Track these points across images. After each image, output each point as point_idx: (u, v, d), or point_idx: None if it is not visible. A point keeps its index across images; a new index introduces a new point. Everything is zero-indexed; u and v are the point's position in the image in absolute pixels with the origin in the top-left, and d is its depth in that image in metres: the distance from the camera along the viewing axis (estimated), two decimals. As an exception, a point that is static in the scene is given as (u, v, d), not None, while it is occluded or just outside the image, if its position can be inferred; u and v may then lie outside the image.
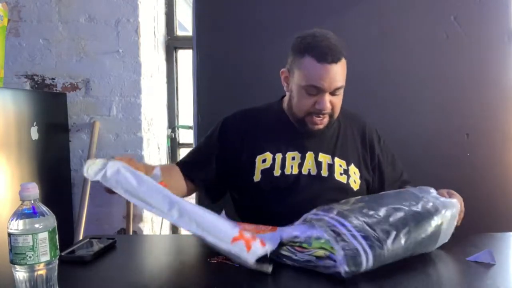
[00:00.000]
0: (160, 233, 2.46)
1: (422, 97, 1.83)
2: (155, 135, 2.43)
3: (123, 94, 2.27)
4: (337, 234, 0.91)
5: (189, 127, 2.47)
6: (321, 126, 1.27)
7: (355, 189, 1.30)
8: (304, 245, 0.95)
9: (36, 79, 2.26)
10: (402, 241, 0.95)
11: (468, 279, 0.91)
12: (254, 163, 1.28)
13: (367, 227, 0.92)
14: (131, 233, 2.26)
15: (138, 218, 2.31)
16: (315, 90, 1.21)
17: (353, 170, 1.32)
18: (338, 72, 1.20)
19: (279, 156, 1.29)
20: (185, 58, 2.55)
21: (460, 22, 1.81)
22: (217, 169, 1.33)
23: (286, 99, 1.35)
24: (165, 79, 2.53)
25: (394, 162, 1.42)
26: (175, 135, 2.56)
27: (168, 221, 2.23)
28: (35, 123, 1.93)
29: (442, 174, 1.81)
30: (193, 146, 1.86)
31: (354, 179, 1.31)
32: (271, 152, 1.29)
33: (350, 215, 0.95)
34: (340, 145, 1.33)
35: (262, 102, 1.45)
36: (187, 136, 2.58)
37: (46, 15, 2.23)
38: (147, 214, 2.36)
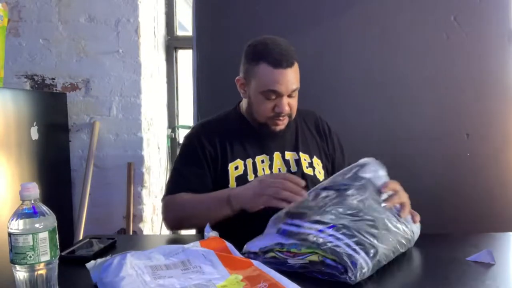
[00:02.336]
0: (160, 233, 2.46)
1: (422, 97, 1.83)
2: (155, 135, 2.43)
3: (123, 94, 2.27)
4: (323, 243, 0.89)
5: (189, 127, 2.47)
6: (282, 127, 1.34)
7: (321, 180, 1.36)
8: (293, 249, 0.92)
9: (36, 79, 2.26)
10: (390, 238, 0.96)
11: (468, 279, 0.91)
12: (227, 171, 1.32)
13: (355, 232, 0.92)
14: (131, 233, 2.26)
15: (138, 218, 2.31)
16: (273, 94, 1.27)
17: (316, 161, 1.39)
18: (293, 76, 1.27)
19: (249, 161, 1.33)
20: (185, 58, 2.55)
21: (460, 22, 1.81)
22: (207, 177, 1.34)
23: (243, 104, 1.41)
24: (165, 79, 2.53)
25: (343, 152, 1.48)
26: (175, 135, 2.57)
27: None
28: (35, 123, 1.93)
29: (442, 174, 1.82)
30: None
31: (319, 170, 1.38)
32: (241, 159, 1.34)
33: (326, 220, 0.94)
34: (301, 141, 1.41)
35: (233, 106, 1.46)
36: (187, 136, 2.58)
37: (46, 15, 2.23)
38: (147, 214, 2.36)
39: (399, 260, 0.99)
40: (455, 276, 0.92)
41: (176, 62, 2.56)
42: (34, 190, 0.80)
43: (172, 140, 2.56)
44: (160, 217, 2.48)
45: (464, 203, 1.81)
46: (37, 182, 0.82)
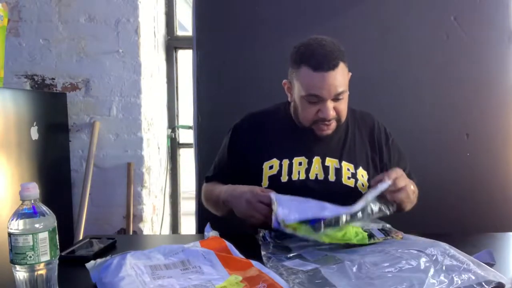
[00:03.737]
0: (160, 233, 2.46)
1: (422, 97, 1.83)
2: (155, 135, 2.43)
3: (123, 94, 2.27)
4: None
5: (189, 127, 2.47)
6: (329, 132, 1.27)
7: (363, 192, 1.28)
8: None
9: (36, 79, 2.26)
10: None
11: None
12: (261, 169, 1.29)
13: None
14: (131, 233, 2.26)
15: (138, 218, 2.31)
16: (316, 98, 1.21)
17: (361, 173, 1.31)
18: (336, 78, 1.19)
19: (286, 162, 1.29)
20: (185, 58, 2.55)
21: (460, 22, 1.81)
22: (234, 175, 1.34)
23: (292, 105, 1.35)
24: (165, 79, 2.53)
25: (399, 161, 1.40)
26: (175, 135, 2.57)
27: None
28: (35, 123, 1.93)
29: (442, 174, 1.82)
30: (193, 146, 1.86)
31: (362, 182, 1.30)
32: (278, 158, 1.30)
33: None
34: (347, 148, 1.33)
35: (262, 102, 1.45)
36: (187, 136, 2.58)
37: (46, 15, 2.23)
38: (147, 214, 2.36)
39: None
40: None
41: (176, 62, 2.55)
42: (34, 190, 0.81)
43: (172, 140, 2.56)
44: (159, 217, 2.49)
45: (464, 203, 1.81)
46: (37, 182, 0.82)
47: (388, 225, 1.13)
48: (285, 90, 1.33)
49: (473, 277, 0.80)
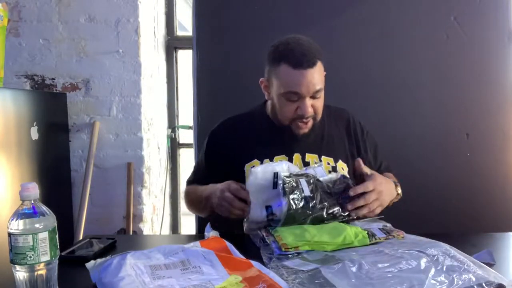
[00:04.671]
0: (160, 233, 2.46)
1: (422, 97, 1.83)
2: (155, 135, 2.43)
3: (123, 94, 2.27)
4: None
5: (189, 127, 2.47)
6: (306, 130, 1.30)
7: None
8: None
9: (36, 79, 2.26)
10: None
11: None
12: (243, 171, 1.31)
13: None
14: (131, 233, 2.26)
15: (138, 218, 2.31)
16: (295, 96, 1.24)
17: (341, 166, 1.34)
18: (315, 76, 1.22)
19: (267, 161, 1.31)
20: (185, 58, 2.55)
21: (460, 22, 1.81)
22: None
23: (269, 104, 1.39)
24: (165, 79, 2.53)
25: (376, 153, 1.45)
26: (175, 135, 2.56)
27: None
28: (35, 123, 1.93)
29: (442, 174, 1.82)
30: (193, 146, 1.86)
31: (343, 174, 1.33)
32: (258, 159, 1.32)
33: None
34: (326, 142, 1.36)
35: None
36: (187, 136, 2.58)
37: (46, 15, 2.23)
38: (147, 214, 2.36)
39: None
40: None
41: (176, 62, 2.55)
42: (34, 190, 0.80)
43: (172, 140, 2.56)
44: (159, 217, 2.49)
45: (464, 203, 1.81)
46: (37, 182, 0.82)
47: (389, 224, 1.13)
48: (262, 88, 1.35)
49: (474, 278, 0.80)
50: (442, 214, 1.76)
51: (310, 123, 1.29)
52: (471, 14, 1.81)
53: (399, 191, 1.30)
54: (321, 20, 1.82)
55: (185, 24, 2.77)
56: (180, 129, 2.58)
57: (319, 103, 1.28)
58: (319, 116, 1.31)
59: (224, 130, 1.42)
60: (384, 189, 1.18)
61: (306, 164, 1.32)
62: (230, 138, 1.38)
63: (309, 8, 1.82)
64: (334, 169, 1.33)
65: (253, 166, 1.20)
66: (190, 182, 1.46)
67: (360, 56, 1.83)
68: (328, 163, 1.33)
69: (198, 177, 1.43)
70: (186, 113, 2.55)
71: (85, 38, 2.24)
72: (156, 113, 2.43)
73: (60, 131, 2.22)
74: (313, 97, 1.25)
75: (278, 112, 1.30)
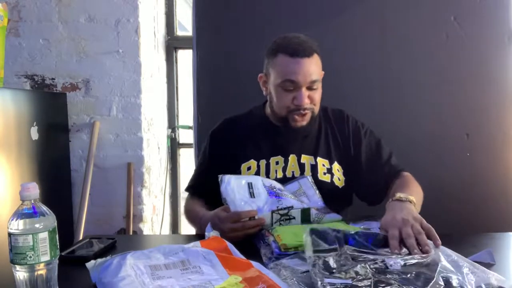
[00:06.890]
0: (160, 233, 2.46)
1: (422, 97, 1.83)
2: (155, 135, 2.43)
3: (123, 94, 2.27)
4: None
5: (189, 127, 2.47)
6: (304, 123, 1.29)
7: (340, 187, 1.33)
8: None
9: (36, 79, 2.26)
10: None
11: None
12: (240, 171, 1.32)
13: None
14: (131, 233, 2.26)
15: (138, 218, 2.31)
16: (291, 85, 1.24)
17: (336, 167, 1.34)
18: (311, 66, 1.24)
19: (263, 162, 1.32)
20: (185, 58, 2.55)
21: (460, 22, 1.81)
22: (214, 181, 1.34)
23: (267, 105, 1.39)
24: (165, 79, 2.53)
25: (380, 149, 1.38)
26: (175, 135, 2.56)
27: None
28: (35, 123, 1.93)
29: (442, 174, 1.82)
30: (193, 146, 1.86)
31: (338, 176, 1.34)
32: (255, 159, 1.33)
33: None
34: (321, 144, 1.36)
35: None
36: (187, 136, 2.58)
37: (46, 15, 2.23)
38: (147, 214, 2.36)
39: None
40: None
41: (176, 62, 2.55)
42: (34, 190, 0.80)
43: (172, 140, 2.56)
44: (159, 217, 2.49)
45: (464, 203, 1.81)
46: (37, 182, 0.82)
47: None
48: (261, 84, 1.36)
49: (474, 281, 0.80)
50: (442, 214, 1.75)
51: (307, 116, 1.29)
52: (471, 14, 1.81)
53: (418, 196, 1.20)
54: (321, 20, 1.82)
55: (185, 24, 2.77)
56: (180, 129, 2.58)
57: (316, 94, 1.28)
58: (317, 109, 1.31)
59: (224, 130, 1.42)
60: (404, 213, 1.02)
61: (301, 165, 1.32)
62: (230, 139, 1.39)
63: (309, 8, 1.82)
64: (329, 171, 1.33)
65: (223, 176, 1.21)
66: (190, 187, 1.44)
67: (359, 56, 1.83)
68: (323, 165, 1.33)
69: (199, 182, 1.42)
70: (186, 113, 2.55)
71: (85, 38, 2.24)
72: (156, 113, 2.43)
73: (60, 131, 2.22)
74: (309, 88, 1.25)
75: (275, 104, 1.31)
